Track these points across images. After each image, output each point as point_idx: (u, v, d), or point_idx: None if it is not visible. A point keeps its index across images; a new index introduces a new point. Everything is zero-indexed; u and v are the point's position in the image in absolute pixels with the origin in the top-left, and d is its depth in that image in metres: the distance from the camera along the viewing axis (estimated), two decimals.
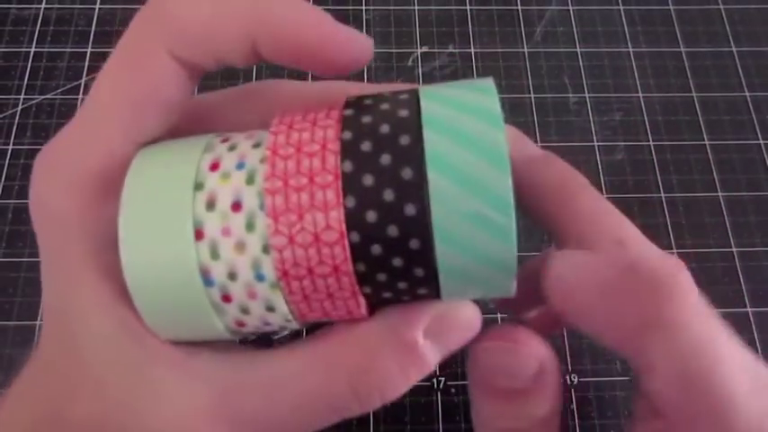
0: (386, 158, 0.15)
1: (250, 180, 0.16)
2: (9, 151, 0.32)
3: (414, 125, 0.16)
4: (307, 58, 0.18)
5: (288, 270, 0.16)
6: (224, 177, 0.16)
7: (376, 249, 0.16)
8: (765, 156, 0.34)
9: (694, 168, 0.33)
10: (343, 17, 0.37)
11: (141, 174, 0.17)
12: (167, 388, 0.18)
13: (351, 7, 0.37)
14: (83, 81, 0.34)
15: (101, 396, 0.18)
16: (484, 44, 0.36)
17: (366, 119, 0.16)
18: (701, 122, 0.34)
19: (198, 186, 0.16)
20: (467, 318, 0.18)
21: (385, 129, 0.16)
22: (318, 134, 0.16)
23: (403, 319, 0.18)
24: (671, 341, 0.16)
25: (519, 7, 0.37)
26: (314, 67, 0.18)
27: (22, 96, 0.34)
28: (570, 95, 0.35)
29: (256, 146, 0.17)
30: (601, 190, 0.32)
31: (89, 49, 0.35)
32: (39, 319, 0.29)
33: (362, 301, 0.17)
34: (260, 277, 0.16)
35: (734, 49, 0.36)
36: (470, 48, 0.36)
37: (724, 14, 0.37)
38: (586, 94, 0.35)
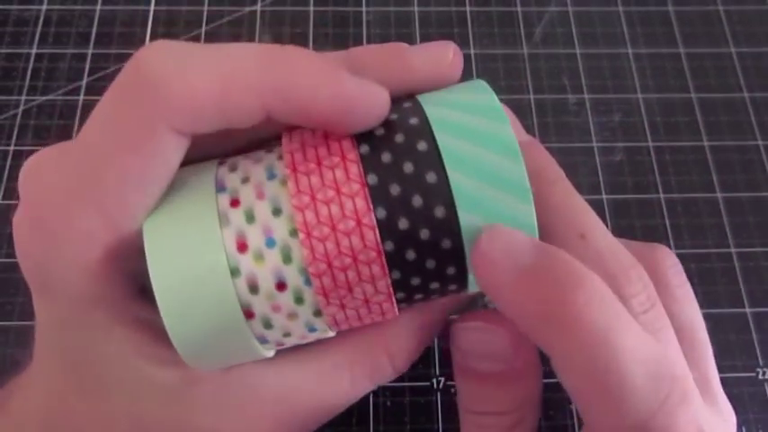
0: (425, 233, 0.16)
1: (287, 259, 0.16)
2: (11, 152, 0.32)
3: (432, 157, 0.16)
4: (324, 122, 0.17)
5: (340, 322, 0.17)
6: (258, 259, 0.16)
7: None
8: (764, 157, 0.34)
9: (693, 169, 0.33)
10: (342, 18, 0.37)
11: (166, 262, 0.16)
12: (218, 410, 0.18)
13: (351, 8, 0.37)
14: (84, 82, 0.34)
15: (138, 423, 0.19)
16: (483, 45, 0.36)
17: (395, 190, 0.16)
18: (700, 123, 0.34)
19: (234, 272, 0.16)
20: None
21: (418, 202, 0.16)
22: (348, 205, 0.16)
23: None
24: (566, 335, 0.16)
25: (518, 9, 0.37)
26: (331, 128, 0.17)
27: (23, 97, 0.34)
28: (569, 96, 0.35)
29: (276, 213, 0.16)
30: (600, 191, 0.32)
31: (90, 51, 0.35)
32: None
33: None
34: (313, 330, 0.18)
35: (733, 50, 0.36)
36: (470, 49, 0.36)
37: (723, 16, 0.37)
38: (585, 95, 0.35)
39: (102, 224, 0.17)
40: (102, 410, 0.19)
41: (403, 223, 0.16)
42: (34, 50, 0.35)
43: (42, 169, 0.18)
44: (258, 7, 0.37)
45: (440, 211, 0.16)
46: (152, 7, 0.37)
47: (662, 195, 0.32)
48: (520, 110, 0.34)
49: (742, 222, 0.32)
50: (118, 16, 0.36)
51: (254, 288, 0.16)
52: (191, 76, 0.16)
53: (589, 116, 0.34)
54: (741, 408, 0.28)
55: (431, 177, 0.16)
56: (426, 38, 0.36)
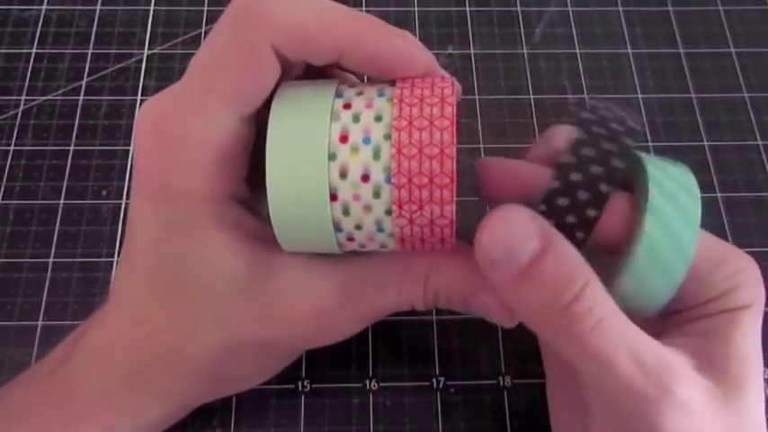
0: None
1: (376, 156, 0.19)
2: (10, 152, 0.32)
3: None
4: (381, 72, 0.21)
5: (405, 238, 0.20)
6: (353, 151, 0.19)
7: (563, 201, 0.20)
8: (764, 156, 0.34)
9: (693, 169, 0.33)
10: None
11: (280, 144, 0.20)
12: (299, 290, 0.21)
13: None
14: (84, 82, 0.34)
15: (223, 323, 0.21)
16: (483, 45, 0.36)
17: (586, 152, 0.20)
18: (700, 123, 0.34)
19: (331, 156, 0.19)
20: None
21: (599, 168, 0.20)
22: (436, 136, 0.19)
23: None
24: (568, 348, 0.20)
25: (518, 8, 0.37)
26: (382, 75, 0.21)
27: (23, 97, 0.34)
28: (569, 96, 0.35)
29: (378, 119, 0.20)
30: None
31: (90, 51, 0.35)
32: (40, 319, 0.29)
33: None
34: (380, 230, 0.20)
35: (732, 50, 0.37)
36: (470, 49, 0.36)
37: (723, 16, 0.37)
38: (585, 96, 0.35)
39: (216, 126, 0.20)
40: (187, 319, 0.21)
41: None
42: (34, 50, 0.35)
43: (158, 102, 0.21)
44: None
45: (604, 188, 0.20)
46: (152, 7, 0.37)
47: None
48: (519, 110, 0.34)
49: (742, 222, 0.32)
50: (118, 16, 0.36)
51: (343, 174, 0.19)
52: (291, 8, 0.20)
53: None
54: None
55: (616, 163, 0.19)
56: (426, 38, 0.36)
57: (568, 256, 0.19)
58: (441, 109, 0.19)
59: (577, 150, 0.20)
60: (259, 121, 0.21)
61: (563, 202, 0.20)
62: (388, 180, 0.19)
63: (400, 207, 0.19)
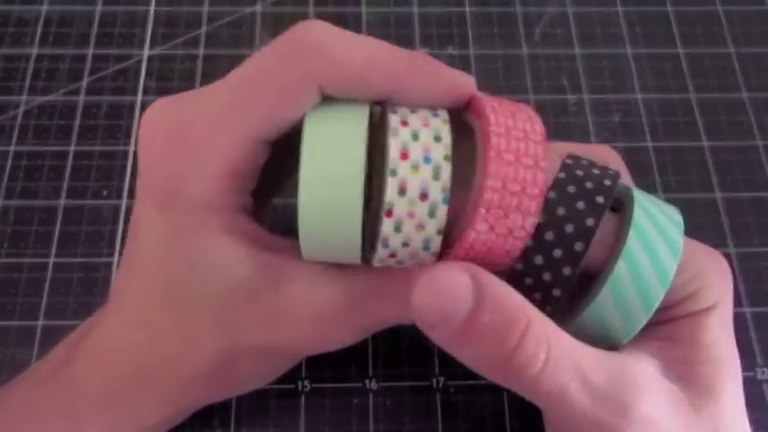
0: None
1: (436, 176, 0.19)
2: (11, 152, 0.33)
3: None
4: (432, 106, 0.21)
5: (475, 246, 0.19)
6: (414, 169, 0.19)
7: (538, 259, 0.20)
8: (763, 157, 0.34)
9: (692, 169, 0.33)
10: (342, 19, 0.37)
11: (315, 156, 0.19)
12: (305, 296, 0.21)
13: (350, 9, 0.37)
14: (84, 83, 0.35)
15: (227, 328, 0.21)
16: (483, 45, 0.36)
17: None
18: (700, 124, 0.34)
19: (391, 172, 0.19)
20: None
21: (570, 228, 0.20)
22: (531, 148, 0.19)
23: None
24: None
25: (518, 9, 0.37)
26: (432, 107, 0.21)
27: (24, 98, 0.34)
28: (569, 97, 0.35)
29: (437, 140, 0.20)
30: None
31: (91, 51, 0.35)
32: (40, 319, 0.29)
33: None
34: (426, 248, 0.20)
35: (732, 50, 0.37)
36: (469, 49, 0.36)
37: (722, 16, 0.37)
38: (585, 96, 0.35)
39: (238, 145, 0.20)
40: (191, 323, 0.21)
41: (549, 236, 0.20)
42: (35, 51, 0.35)
43: (175, 106, 0.22)
44: (258, 8, 0.37)
45: (579, 246, 0.20)
46: (152, 7, 0.37)
47: (662, 195, 0.33)
48: None
49: (741, 222, 0.32)
50: (118, 16, 0.37)
51: (402, 191, 0.19)
52: (345, 48, 0.20)
53: (588, 116, 0.34)
54: None
55: (589, 222, 0.20)
56: (426, 38, 0.36)
57: (503, 303, 0.19)
58: (532, 125, 0.20)
59: (550, 210, 0.20)
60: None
61: (539, 260, 0.20)
62: (446, 200, 0.19)
63: (488, 210, 0.19)
